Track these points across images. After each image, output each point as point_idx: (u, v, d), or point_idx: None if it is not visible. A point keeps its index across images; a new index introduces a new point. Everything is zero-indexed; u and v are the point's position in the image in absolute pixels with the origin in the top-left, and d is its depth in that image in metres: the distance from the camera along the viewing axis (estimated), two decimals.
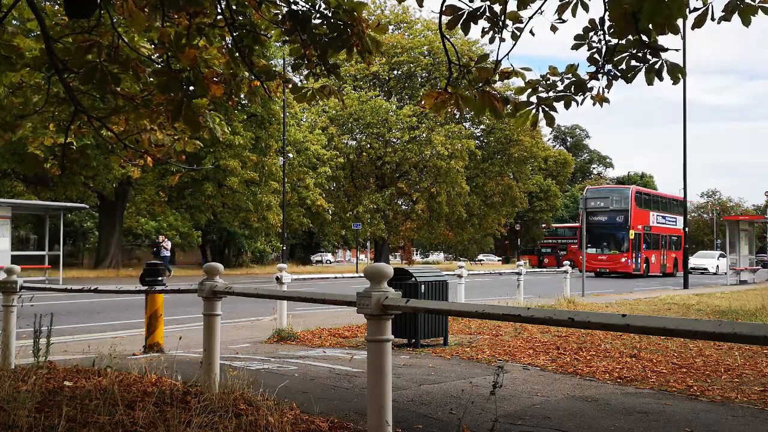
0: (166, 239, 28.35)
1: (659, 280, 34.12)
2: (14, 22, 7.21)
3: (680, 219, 39.00)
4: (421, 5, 4.99)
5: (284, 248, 35.40)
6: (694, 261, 44.53)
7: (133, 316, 12.98)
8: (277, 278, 10.53)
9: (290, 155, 37.72)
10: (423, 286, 8.86)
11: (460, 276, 14.46)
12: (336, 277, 19.57)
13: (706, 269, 44.27)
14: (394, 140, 47.00)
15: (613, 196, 37.80)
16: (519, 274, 16.73)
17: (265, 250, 48.57)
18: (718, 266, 45.19)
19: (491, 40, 4.83)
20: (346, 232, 49.55)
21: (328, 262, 73.69)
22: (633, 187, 40.88)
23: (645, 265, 37.05)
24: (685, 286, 26.01)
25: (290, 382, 6.10)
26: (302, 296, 4.82)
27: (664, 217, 40.54)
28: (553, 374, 7.06)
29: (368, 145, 47.15)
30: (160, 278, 8.55)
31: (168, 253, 28.48)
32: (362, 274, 4.03)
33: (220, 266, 5.35)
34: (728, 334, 2.53)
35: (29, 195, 29.03)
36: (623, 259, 35.66)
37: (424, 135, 45.54)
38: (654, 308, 15.34)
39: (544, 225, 62.12)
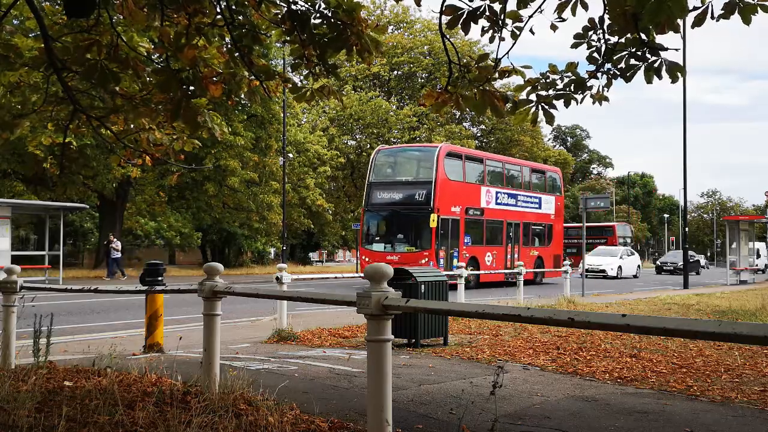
0: (115, 240, 27.70)
1: (531, 288, 22.11)
2: (14, 21, 7.20)
3: (550, 199, 29.59)
4: (419, 5, 4.99)
5: (284, 248, 35.40)
6: (589, 260, 35.46)
7: (133, 316, 12.98)
8: (277, 278, 10.52)
9: (290, 155, 37.72)
10: (423, 286, 8.86)
11: (460, 276, 14.48)
12: (336, 277, 19.54)
13: (603, 271, 32.59)
14: (394, 140, 47.00)
15: (413, 160, 25.69)
16: (519, 274, 16.74)
17: (265, 250, 48.55)
18: (620, 267, 36.37)
19: (491, 40, 4.83)
20: (346, 233, 49.54)
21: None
22: (443, 145, 24.86)
23: (470, 267, 22.97)
24: (685, 286, 26.05)
25: (290, 382, 6.09)
26: (302, 296, 4.82)
27: (513, 196, 27.12)
28: (553, 374, 7.06)
29: (368, 146, 47.16)
30: (160, 278, 8.55)
31: (118, 255, 27.50)
32: (362, 274, 4.02)
33: (220, 266, 5.34)
34: (728, 334, 2.53)
35: (29, 195, 29.02)
36: (423, 260, 21.88)
37: (425, 135, 45.54)
38: (654, 308, 15.33)
39: None
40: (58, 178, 25.67)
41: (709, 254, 75.24)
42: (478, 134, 55.37)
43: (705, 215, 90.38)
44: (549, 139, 79.79)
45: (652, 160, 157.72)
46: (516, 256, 26.39)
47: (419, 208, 22.62)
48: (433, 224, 22.16)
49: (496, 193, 26.18)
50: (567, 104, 4.94)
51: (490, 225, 25.66)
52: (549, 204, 29.39)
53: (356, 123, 46.73)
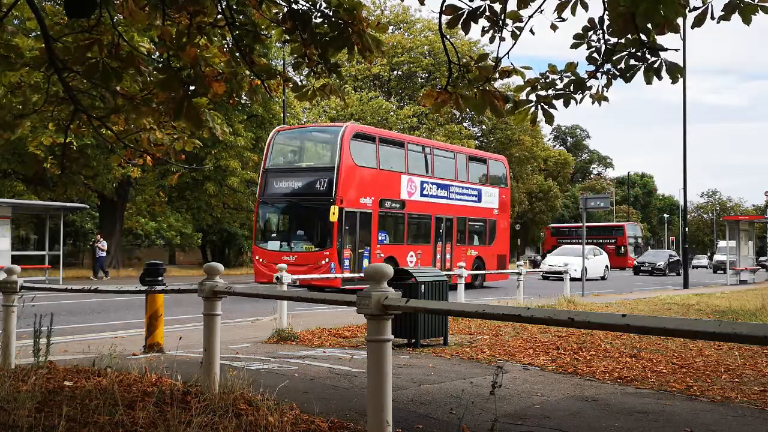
0: (102, 239, 27.61)
1: (470, 293, 17.62)
2: (15, 21, 7.21)
3: (493, 192, 25.36)
4: (423, 3, 4.99)
5: None
6: (550, 259, 32.77)
7: (133, 316, 12.98)
8: (277, 278, 10.53)
9: None
10: (423, 286, 8.86)
11: (459, 276, 14.49)
12: (335, 277, 19.54)
13: (564, 273, 21.01)
14: None
15: (315, 143, 22.18)
16: (519, 274, 16.75)
17: None
18: (585, 269, 28.34)
19: (491, 40, 4.83)
20: None
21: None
22: (350, 124, 20.58)
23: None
24: (685, 286, 26.06)
25: (290, 382, 6.09)
26: (302, 296, 4.83)
27: (444, 187, 22.93)
28: (553, 374, 7.06)
29: None
30: (160, 278, 8.55)
31: (104, 254, 27.39)
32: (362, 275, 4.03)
33: (220, 266, 5.35)
34: (728, 334, 2.53)
35: (29, 195, 29.00)
36: (323, 261, 18.58)
37: (425, 135, 45.56)
38: (654, 308, 15.33)
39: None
40: (59, 178, 25.67)
41: (709, 254, 75.16)
42: (479, 134, 55.39)
43: (705, 215, 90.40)
44: (549, 139, 79.84)
45: (652, 160, 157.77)
46: (449, 256, 22.72)
47: (319, 199, 18.84)
48: (333, 218, 18.31)
49: (422, 183, 21.96)
50: (567, 104, 4.94)
51: (413, 220, 21.61)
52: (491, 197, 25.20)
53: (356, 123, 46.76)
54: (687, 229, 32.31)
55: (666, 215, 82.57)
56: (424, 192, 22.11)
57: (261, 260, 19.66)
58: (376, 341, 3.66)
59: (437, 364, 7.58)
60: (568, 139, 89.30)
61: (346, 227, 18.92)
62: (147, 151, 6.40)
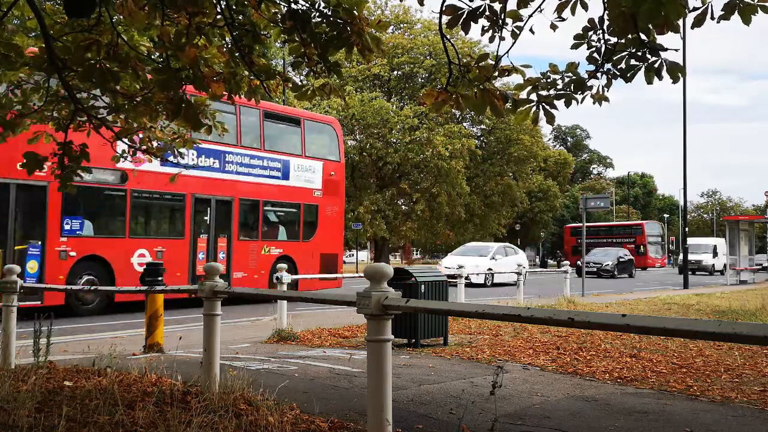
0: None
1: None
2: (15, 21, 7.21)
3: (312, 166, 18.35)
4: (422, 4, 4.99)
5: None
6: (447, 260, 25.29)
7: (133, 316, 12.98)
8: (277, 278, 10.53)
9: None
10: (423, 286, 8.86)
11: (461, 276, 14.49)
12: (335, 278, 19.54)
13: (458, 277, 15.31)
14: (394, 141, 47.03)
15: None
16: (519, 274, 16.76)
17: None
18: (488, 274, 24.77)
19: (491, 39, 4.82)
20: (346, 233, 49.56)
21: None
22: None
23: (88, 276, 13.69)
24: (685, 286, 26.07)
25: (290, 382, 6.09)
26: (302, 296, 4.83)
27: (215, 155, 16.09)
28: (553, 374, 7.06)
29: (368, 146, 47.18)
30: (160, 278, 8.57)
31: None
32: (362, 274, 4.03)
33: (220, 266, 5.36)
34: (728, 334, 2.53)
35: None
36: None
37: (425, 135, 45.56)
38: (654, 308, 15.34)
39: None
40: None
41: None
42: (478, 134, 55.40)
43: (705, 215, 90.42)
44: (549, 139, 79.91)
45: (652, 160, 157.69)
46: (223, 255, 16.25)
47: None
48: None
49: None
50: (567, 104, 4.94)
51: (144, 202, 15.16)
52: (309, 173, 18.36)
53: (357, 123, 46.74)
54: (687, 229, 32.27)
55: (666, 215, 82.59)
56: (170, 161, 13.29)
57: None
58: (376, 341, 3.66)
59: (437, 364, 7.58)
60: (569, 139, 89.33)
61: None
62: (147, 150, 6.41)
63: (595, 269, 35.92)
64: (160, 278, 8.56)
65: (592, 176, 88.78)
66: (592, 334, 9.77)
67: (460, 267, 15.75)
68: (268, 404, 4.75)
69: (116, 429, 4.16)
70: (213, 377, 5.10)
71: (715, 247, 44.76)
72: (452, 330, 10.13)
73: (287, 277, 10.57)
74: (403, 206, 51.57)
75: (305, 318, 12.48)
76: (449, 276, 13.28)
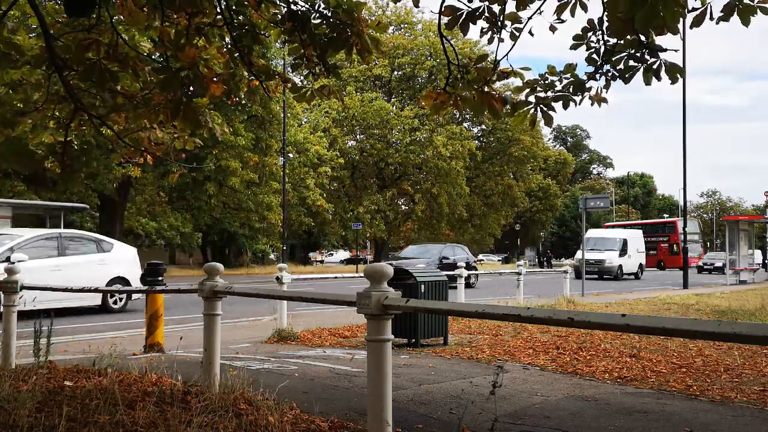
0: None
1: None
2: (15, 21, 7.22)
3: None
4: (417, 5, 4.99)
5: (284, 248, 35.41)
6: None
7: (133, 316, 12.98)
8: (278, 278, 10.53)
9: (290, 155, 37.73)
10: (423, 286, 8.87)
11: (460, 276, 14.49)
12: (336, 277, 19.54)
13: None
14: (395, 141, 47.05)
15: None
16: (519, 274, 16.76)
17: (265, 251, 48.57)
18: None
19: (490, 41, 4.83)
20: (346, 233, 49.58)
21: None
22: None
23: None
24: (685, 286, 26.05)
25: (290, 382, 6.10)
26: (302, 296, 4.82)
27: None
28: (553, 374, 7.06)
29: (369, 146, 47.19)
30: (160, 278, 8.57)
31: None
32: (362, 274, 4.03)
33: (220, 266, 5.35)
34: (728, 334, 2.53)
35: (30, 195, 28.99)
36: None
37: (426, 136, 45.57)
38: (653, 308, 15.34)
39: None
40: (60, 176, 25.65)
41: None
42: (479, 134, 55.41)
43: (705, 215, 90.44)
44: (549, 139, 79.90)
45: (652, 160, 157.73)
46: None
47: None
48: None
49: None
50: (566, 106, 4.94)
51: None
52: None
53: (358, 124, 46.76)
54: (687, 228, 32.21)
55: (666, 215, 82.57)
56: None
57: None
58: (376, 341, 3.66)
59: (437, 363, 7.59)
60: (568, 139, 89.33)
61: None
62: (147, 150, 6.41)
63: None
64: (160, 278, 8.57)
65: (592, 176, 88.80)
66: (591, 334, 9.78)
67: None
68: (268, 404, 4.75)
69: (116, 429, 4.17)
70: (213, 377, 5.11)
71: (624, 242, 34.28)
72: (452, 330, 10.14)
73: (287, 277, 10.57)
74: (403, 206, 51.58)
75: (305, 318, 12.49)
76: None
